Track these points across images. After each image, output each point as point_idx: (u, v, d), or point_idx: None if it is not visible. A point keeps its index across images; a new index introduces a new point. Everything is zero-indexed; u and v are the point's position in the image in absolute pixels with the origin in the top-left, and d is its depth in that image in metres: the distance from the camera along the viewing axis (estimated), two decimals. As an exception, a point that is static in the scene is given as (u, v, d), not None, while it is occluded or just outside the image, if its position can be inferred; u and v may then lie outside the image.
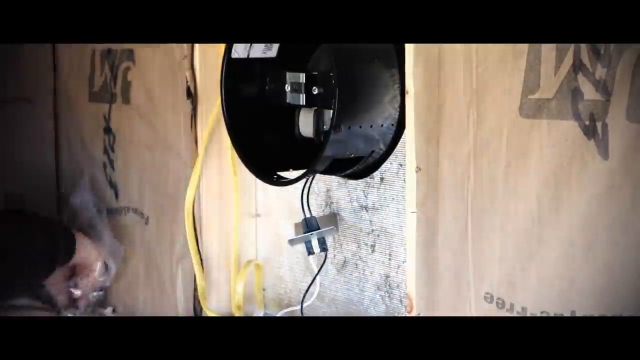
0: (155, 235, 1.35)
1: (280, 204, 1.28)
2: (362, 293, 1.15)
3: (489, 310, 0.87)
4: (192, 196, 1.23)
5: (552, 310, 0.82)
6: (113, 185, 1.42)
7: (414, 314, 0.94)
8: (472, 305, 0.88)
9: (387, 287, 1.11)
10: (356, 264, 1.15)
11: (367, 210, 1.13)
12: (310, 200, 1.14)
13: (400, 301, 1.10)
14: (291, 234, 1.24)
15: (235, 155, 1.13)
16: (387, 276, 1.11)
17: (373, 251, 1.13)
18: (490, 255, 0.87)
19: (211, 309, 1.26)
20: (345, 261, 1.17)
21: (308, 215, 1.11)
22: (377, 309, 1.13)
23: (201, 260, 1.26)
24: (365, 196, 1.13)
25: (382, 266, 1.12)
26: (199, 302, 1.26)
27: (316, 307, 1.21)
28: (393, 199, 1.09)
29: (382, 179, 1.10)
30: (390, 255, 1.11)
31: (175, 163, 1.28)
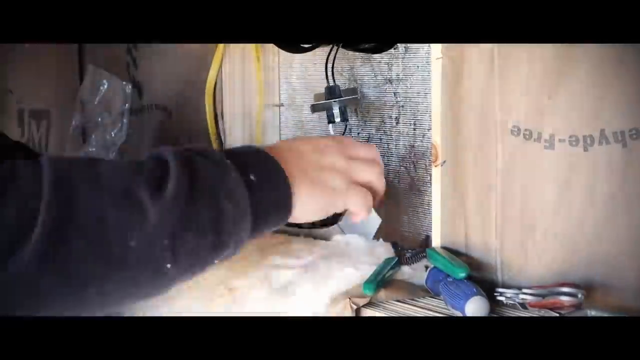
0: (177, 127, 1.34)
1: (304, 94, 1.27)
2: (387, 167, 1.14)
3: (517, 143, 0.85)
4: (214, 77, 1.22)
5: (582, 133, 0.80)
6: (137, 85, 1.42)
7: (439, 162, 0.93)
8: (499, 141, 0.87)
9: (412, 157, 1.10)
10: (380, 138, 1.14)
11: (391, 83, 1.12)
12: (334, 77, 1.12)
13: (426, 170, 1.08)
14: (315, 119, 1.23)
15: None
16: (412, 146, 1.10)
17: (397, 123, 1.12)
18: (517, 86, 0.85)
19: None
20: (369, 137, 1.16)
21: (331, 84, 1.09)
22: (403, 182, 1.12)
23: (221, 145, 1.25)
24: (390, 68, 1.12)
25: (406, 137, 1.11)
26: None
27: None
28: (418, 67, 1.08)
29: (406, 48, 1.09)
30: (415, 125, 1.09)
31: (198, 48, 1.28)
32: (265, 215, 0.73)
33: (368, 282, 0.87)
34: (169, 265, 0.65)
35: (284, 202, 0.75)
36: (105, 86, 1.41)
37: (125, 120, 1.39)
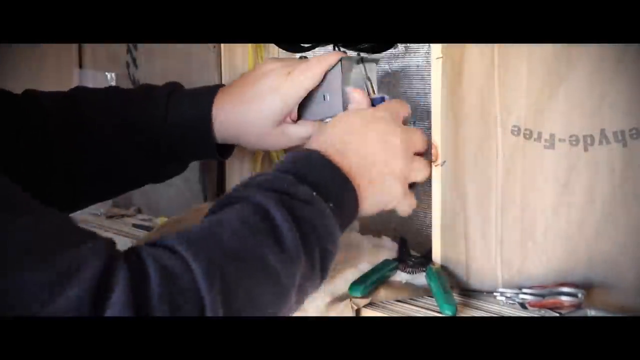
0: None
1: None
2: (387, 167, 1.14)
3: (517, 143, 0.85)
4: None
5: (582, 133, 0.80)
6: (136, 84, 1.42)
7: (439, 162, 0.93)
8: (499, 141, 0.87)
9: (412, 156, 1.10)
10: (380, 138, 1.14)
11: (391, 83, 1.12)
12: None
13: (425, 169, 1.08)
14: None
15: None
16: (412, 146, 1.10)
17: (397, 123, 1.11)
18: (517, 86, 0.85)
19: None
20: (369, 137, 1.16)
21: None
22: (402, 182, 1.12)
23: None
24: (390, 68, 1.12)
25: (406, 137, 1.10)
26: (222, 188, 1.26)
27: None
28: (418, 67, 1.08)
29: (406, 48, 1.09)
30: (414, 124, 1.09)
31: (198, 48, 1.28)
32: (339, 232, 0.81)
33: (356, 284, 0.87)
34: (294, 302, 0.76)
35: (352, 218, 0.83)
36: (91, 86, 1.41)
37: None
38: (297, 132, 1.01)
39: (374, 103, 0.95)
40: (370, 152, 0.85)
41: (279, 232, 0.73)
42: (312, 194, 0.77)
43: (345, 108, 0.95)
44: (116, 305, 0.64)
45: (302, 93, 0.98)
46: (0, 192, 0.67)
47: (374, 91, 0.97)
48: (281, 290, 0.73)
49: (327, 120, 1.00)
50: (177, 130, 1.03)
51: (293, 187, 0.76)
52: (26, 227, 0.65)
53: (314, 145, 0.83)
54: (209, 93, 1.03)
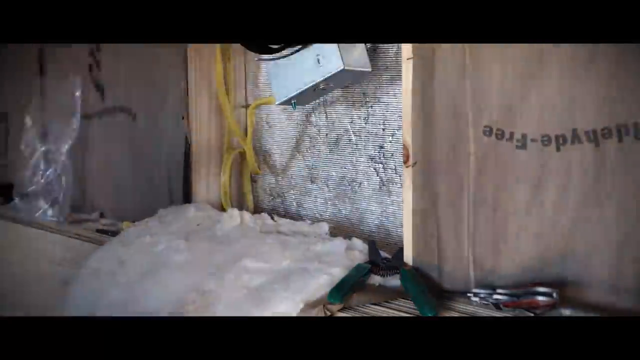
0: (142, 129, 1.32)
1: (270, 94, 1.25)
2: (356, 168, 1.13)
3: (489, 143, 0.85)
4: (221, 72, 1.23)
5: (554, 132, 0.80)
6: (99, 87, 1.40)
7: (410, 163, 0.92)
8: (471, 141, 0.86)
9: (382, 157, 1.09)
10: (349, 139, 1.13)
11: (360, 83, 1.11)
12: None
13: (395, 170, 1.08)
14: (283, 120, 1.23)
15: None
16: (381, 147, 1.09)
17: (366, 123, 1.11)
18: (489, 86, 0.85)
19: (200, 200, 1.24)
20: (337, 138, 1.15)
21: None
22: (371, 182, 1.11)
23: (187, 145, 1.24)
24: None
25: (375, 137, 1.10)
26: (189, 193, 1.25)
27: (309, 189, 1.20)
28: (387, 67, 1.07)
29: (375, 48, 1.08)
30: (384, 124, 1.09)
31: (165, 52, 1.26)
32: None
33: (334, 291, 0.85)
34: None
35: None
36: (56, 94, 1.38)
37: (77, 115, 1.35)
38: None
39: None
40: None
41: None
42: None
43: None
44: None
45: None
46: None
47: None
48: None
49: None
50: None
51: None
52: None
53: None
54: None
